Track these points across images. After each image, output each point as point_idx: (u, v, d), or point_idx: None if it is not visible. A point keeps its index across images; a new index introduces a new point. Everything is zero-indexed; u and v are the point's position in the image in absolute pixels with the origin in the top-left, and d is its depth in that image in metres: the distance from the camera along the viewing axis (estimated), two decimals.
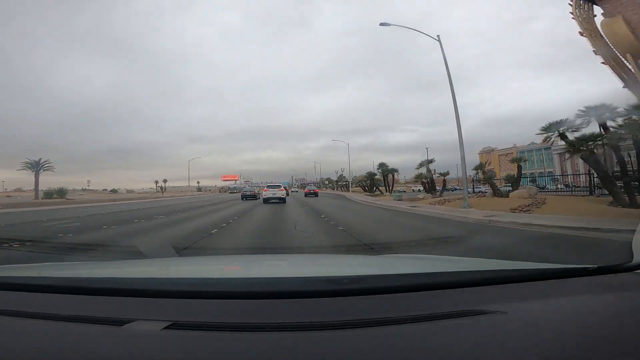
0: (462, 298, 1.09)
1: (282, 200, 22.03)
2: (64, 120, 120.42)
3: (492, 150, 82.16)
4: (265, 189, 24.11)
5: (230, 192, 68.33)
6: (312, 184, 62.52)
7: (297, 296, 1.11)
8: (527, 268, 1.54)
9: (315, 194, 35.13)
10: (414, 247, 5.56)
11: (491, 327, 0.91)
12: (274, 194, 22.30)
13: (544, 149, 67.58)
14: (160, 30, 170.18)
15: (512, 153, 76.65)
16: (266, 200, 21.95)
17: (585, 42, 17.28)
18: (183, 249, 5.18)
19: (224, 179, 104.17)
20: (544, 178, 64.81)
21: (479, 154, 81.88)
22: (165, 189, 72.97)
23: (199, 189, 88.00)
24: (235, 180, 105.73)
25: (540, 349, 0.79)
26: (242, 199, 27.40)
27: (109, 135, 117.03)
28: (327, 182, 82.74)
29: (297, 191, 61.52)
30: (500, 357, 0.78)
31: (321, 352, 0.80)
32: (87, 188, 65.17)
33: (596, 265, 1.32)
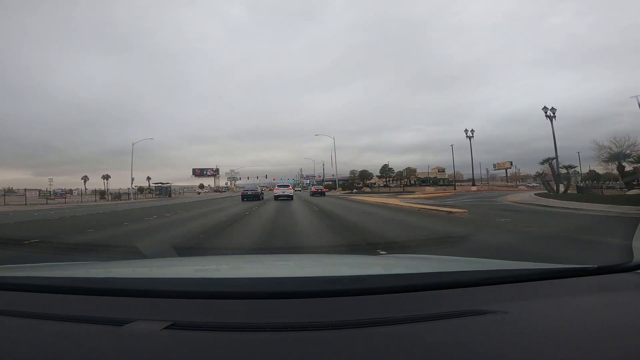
0: (462, 298, 1.09)
1: (289, 198, 24.30)
2: (64, 121, 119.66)
3: None
4: (276, 187, 27.46)
5: None
6: (320, 184, 56.62)
7: (298, 296, 1.11)
8: (527, 268, 1.54)
9: (322, 194, 34.21)
10: None
11: (491, 327, 0.91)
12: (283, 192, 25.33)
13: None
14: (162, 26, 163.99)
15: None
16: (277, 197, 24.29)
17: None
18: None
19: (198, 172, 79.69)
20: None
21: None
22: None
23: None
24: (213, 175, 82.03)
25: (541, 349, 0.79)
26: (243, 199, 24.37)
27: (108, 135, 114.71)
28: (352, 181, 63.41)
29: (300, 190, 57.60)
30: (500, 357, 0.78)
31: (322, 352, 0.80)
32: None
33: (596, 265, 1.32)
